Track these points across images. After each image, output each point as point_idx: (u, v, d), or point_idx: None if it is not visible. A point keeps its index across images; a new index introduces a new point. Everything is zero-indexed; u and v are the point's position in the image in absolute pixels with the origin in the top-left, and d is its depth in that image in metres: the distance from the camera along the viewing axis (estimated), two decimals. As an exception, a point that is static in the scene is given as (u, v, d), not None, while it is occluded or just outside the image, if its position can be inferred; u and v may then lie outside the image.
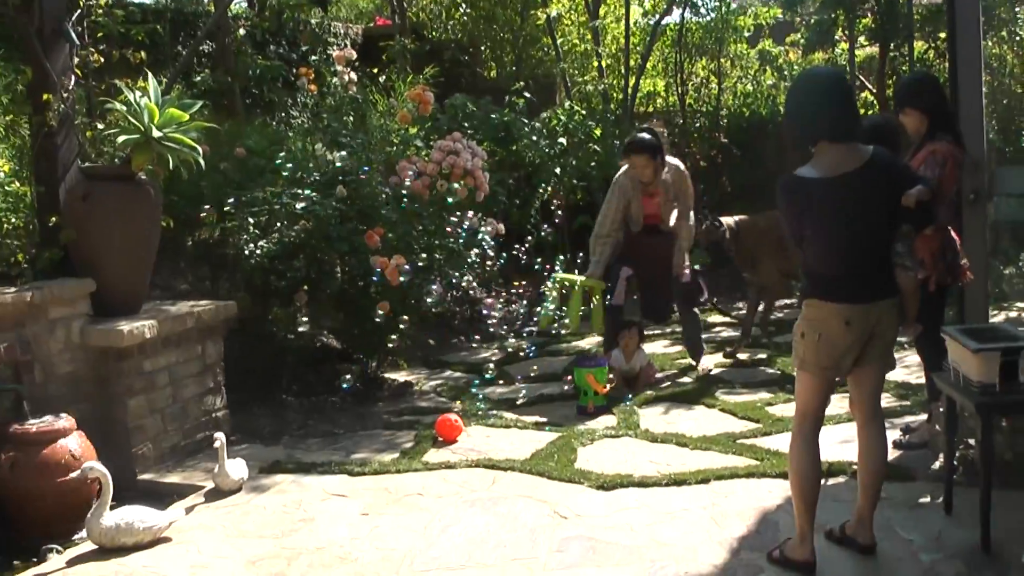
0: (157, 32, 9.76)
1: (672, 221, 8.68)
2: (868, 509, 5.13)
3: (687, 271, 8.74)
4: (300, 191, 8.26)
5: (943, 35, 13.48)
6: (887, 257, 4.93)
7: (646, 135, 8.54)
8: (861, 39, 14.59)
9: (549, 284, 8.55)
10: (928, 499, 5.82)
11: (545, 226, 10.39)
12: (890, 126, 6.26)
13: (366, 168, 8.29)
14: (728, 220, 9.64)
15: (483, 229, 8.74)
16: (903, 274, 5.14)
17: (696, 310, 9.22)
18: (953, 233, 6.28)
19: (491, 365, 9.02)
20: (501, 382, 8.83)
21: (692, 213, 8.81)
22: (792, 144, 5.05)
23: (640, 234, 8.65)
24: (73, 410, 6.19)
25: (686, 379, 8.84)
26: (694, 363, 9.04)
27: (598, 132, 12.30)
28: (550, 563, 5.25)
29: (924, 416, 6.89)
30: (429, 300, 8.24)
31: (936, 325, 6.20)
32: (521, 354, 10.00)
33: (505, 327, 10.97)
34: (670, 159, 8.68)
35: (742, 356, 9.29)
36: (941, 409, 5.99)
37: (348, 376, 6.12)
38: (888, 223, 4.89)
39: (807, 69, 5.65)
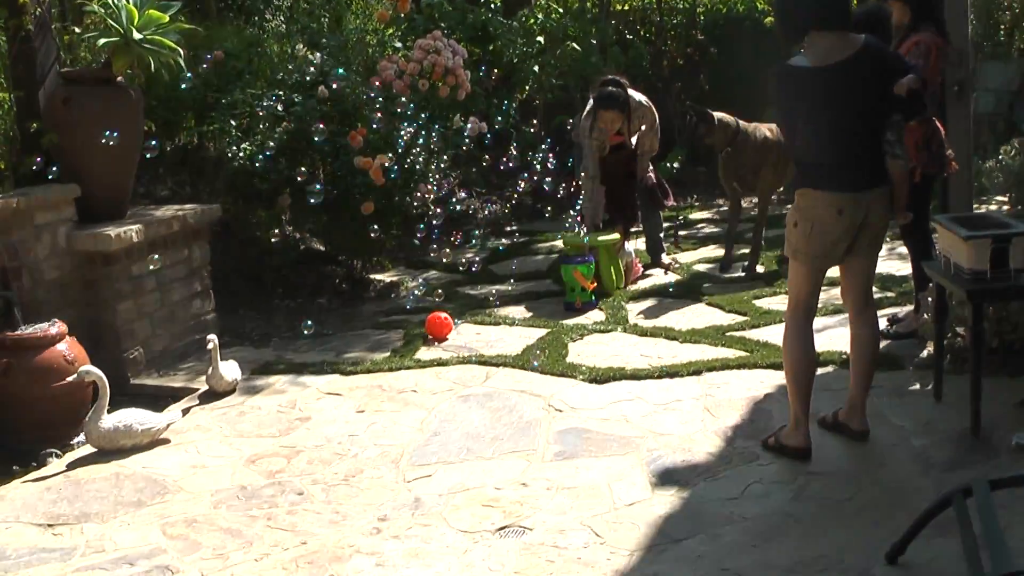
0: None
1: (635, 140, 8.83)
2: (860, 396, 5.20)
3: (651, 175, 9.06)
4: (281, 93, 8.17)
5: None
6: (878, 145, 4.93)
7: (612, 88, 8.57)
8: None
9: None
10: (917, 387, 5.90)
11: (533, 122, 10.35)
12: (883, 14, 6.22)
13: (340, 71, 8.19)
14: (727, 118, 8.89)
15: (466, 127, 8.68)
16: (893, 162, 5.15)
17: (660, 212, 9.37)
18: (937, 123, 6.29)
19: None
20: (485, 282, 8.84)
21: (656, 129, 8.89)
22: (783, 34, 5.05)
23: (605, 157, 8.66)
24: (62, 316, 6.16)
25: (672, 275, 8.85)
26: (652, 260, 9.13)
27: (573, 30, 12.18)
28: (547, 454, 5.30)
29: (909, 307, 6.94)
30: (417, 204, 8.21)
31: (922, 216, 6.26)
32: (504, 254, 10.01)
33: (488, 227, 11.00)
34: (634, 94, 8.71)
35: (760, 269, 8.95)
36: (930, 299, 6.04)
37: (309, 323, 6.21)
38: (879, 111, 4.89)
39: None
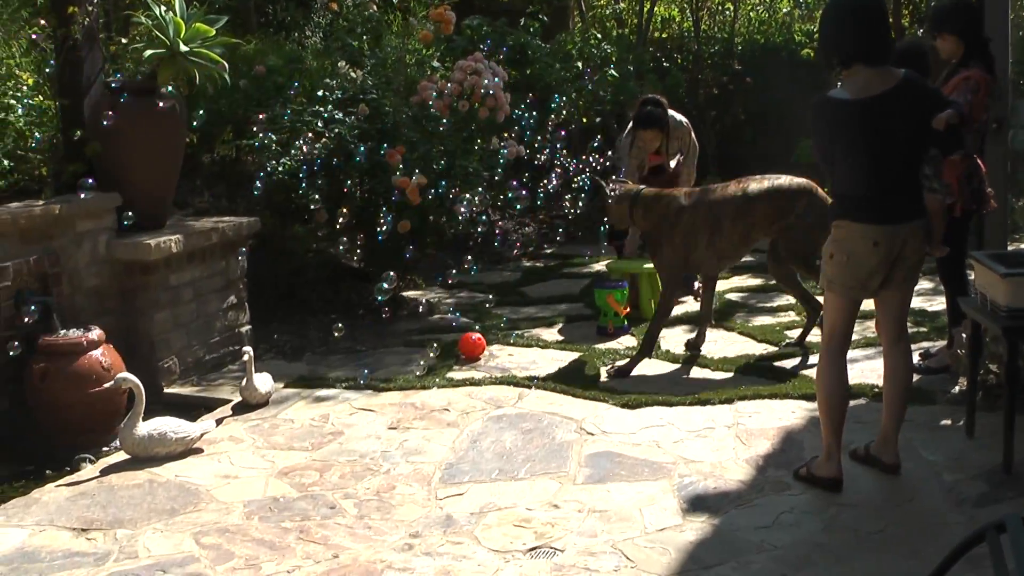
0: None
1: (674, 164, 8.76)
2: (893, 429, 5.19)
3: None
4: (322, 109, 8.23)
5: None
6: (915, 179, 4.95)
7: (653, 107, 8.48)
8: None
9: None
10: (949, 422, 5.88)
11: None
12: (921, 49, 6.24)
13: (373, 91, 8.23)
14: (628, 188, 7.73)
15: (502, 150, 8.72)
16: (930, 196, 5.15)
17: None
18: (979, 160, 6.29)
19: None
20: (517, 304, 8.86)
21: (694, 154, 8.83)
22: (828, 66, 5.07)
23: (646, 177, 8.63)
24: (99, 323, 6.22)
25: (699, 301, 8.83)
26: (684, 287, 8.95)
27: (614, 57, 12.22)
28: (579, 477, 5.31)
29: (942, 342, 6.93)
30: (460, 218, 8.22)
31: (960, 251, 6.26)
32: (537, 275, 10.02)
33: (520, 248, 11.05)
34: (673, 114, 8.66)
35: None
36: (964, 334, 6.03)
37: (384, 286, 6.10)
38: (917, 145, 4.92)
39: None
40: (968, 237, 6.59)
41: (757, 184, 7.24)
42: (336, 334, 7.03)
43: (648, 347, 7.15)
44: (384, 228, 7.13)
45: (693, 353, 7.35)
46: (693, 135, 8.86)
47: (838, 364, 5.06)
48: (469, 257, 7.73)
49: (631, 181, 8.23)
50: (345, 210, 7.35)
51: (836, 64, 4.91)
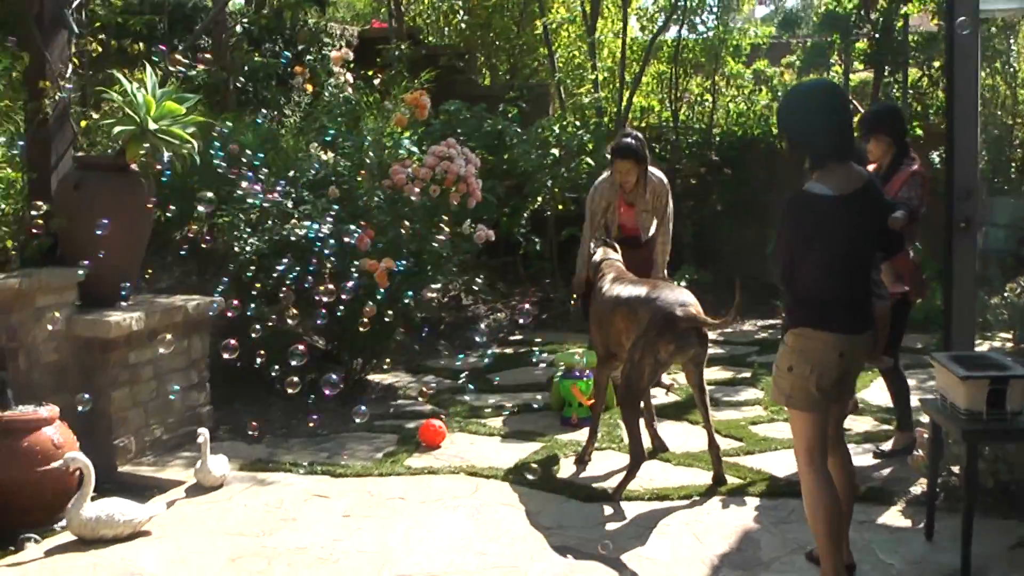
0: (155, 24, 9.73)
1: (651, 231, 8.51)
2: (845, 528, 5.09)
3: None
4: (292, 190, 8.23)
5: (937, 63, 13.58)
6: (870, 284, 4.91)
7: (631, 140, 8.25)
8: (856, 63, 14.64)
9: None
10: (909, 524, 5.84)
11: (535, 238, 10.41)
12: (896, 109, 6.52)
13: (342, 173, 8.24)
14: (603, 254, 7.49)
15: (474, 235, 8.73)
16: (878, 303, 5.13)
17: None
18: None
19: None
20: (483, 391, 8.80)
21: (670, 228, 8.55)
22: (797, 159, 4.91)
23: (619, 243, 8.41)
24: (57, 400, 6.15)
25: (670, 395, 8.81)
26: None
27: (591, 145, 12.29)
28: (531, 572, 5.24)
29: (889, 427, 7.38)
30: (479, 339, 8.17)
31: (898, 343, 6.63)
32: (505, 363, 9.97)
33: (488, 335, 11.01)
34: (654, 171, 8.43)
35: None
36: (925, 435, 6.02)
37: (334, 378, 6.07)
38: (877, 246, 4.89)
39: (802, 84, 5.56)
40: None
41: (632, 289, 6.70)
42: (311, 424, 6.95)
43: (635, 453, 6.43)
44: (349, 309, 7.09)
45: (654, 446, 7.21)
46: (671, 200, 8.49)
47: (826, 477, 4.78)
48: (442, 341, 7.69)
49: (587, 224, 8.20)
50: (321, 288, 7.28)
51: (808, 163, 4.75)
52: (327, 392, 6.18)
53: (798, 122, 4.81)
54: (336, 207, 8.22)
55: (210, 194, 6.69)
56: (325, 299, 6.77)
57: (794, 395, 4.76)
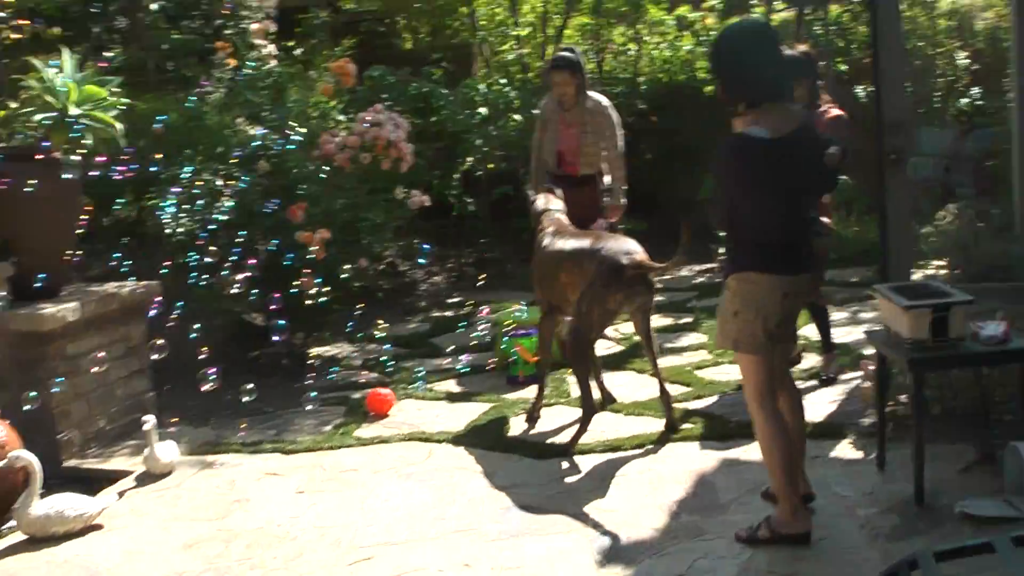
0: (68, 7, 9.53)
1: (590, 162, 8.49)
2: (800, 460, 5.14)
3: (613, 219, 8.47)
4: (222, 167, 8.12)
5: (857, -1, 13.65)
6: (808, 223, 4.92)
7: (566, 51, 8.43)
8: (777, 3, 14.65)
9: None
10: (860, 455, 5.90)
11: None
12: (811, 57, 6.53)
13: (279, 143, 8.16)
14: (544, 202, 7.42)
15: (408, 201, 8.68)
16: (818, 241, 5.16)
17: None
18: None
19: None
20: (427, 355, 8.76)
21: (622, 155, 8.53)
22: (731, 104, 4.80)
23: (559, 182, 8.16)
24: (-5, 397, 6.05)
25: (614, 345, 8.81)
26: None
27: (518, 102, 12.23)
28: (492, 533, 5.24)
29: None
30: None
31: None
32: (450, 326, 9.92)
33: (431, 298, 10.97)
34: (595, 94, 8.53)
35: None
36: (870, 367, 6.07)
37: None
38: (816, 185, 4.90)
39: (732, 25, 5.51)
40: None
41: (575, 242, 6.70)
42: (245, 398, 6.85)
43: (587, 406, 6.45)
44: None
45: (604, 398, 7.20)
46: (619, 130, 8.47)
47: (777, 417, 4.83)
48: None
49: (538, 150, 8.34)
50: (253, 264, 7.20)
51: (743, 103, 4.70)
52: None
53: (731, 63, 4.75)
54: (267, 181, 8.14)
55: None
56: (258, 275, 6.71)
57: (741, 339, 4.78)
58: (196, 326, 6.57)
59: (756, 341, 4.75)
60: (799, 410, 5.15)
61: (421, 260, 11.20)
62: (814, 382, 7.25)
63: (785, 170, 4.63)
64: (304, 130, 8.76)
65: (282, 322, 6.70)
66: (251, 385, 6.63)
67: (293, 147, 8.24)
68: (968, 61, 13.37)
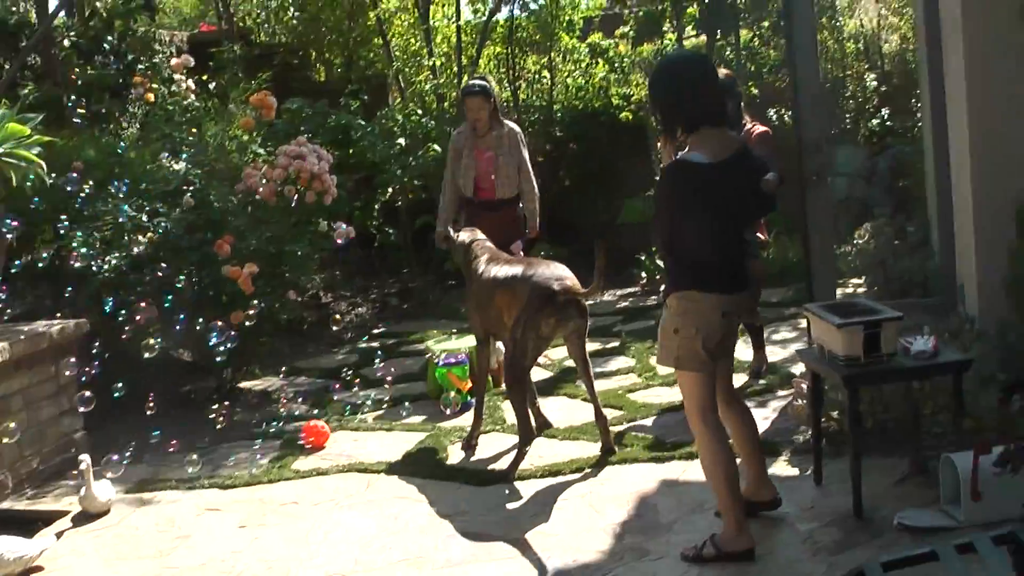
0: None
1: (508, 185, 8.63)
2: (761, 467, 5.31)
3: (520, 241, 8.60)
4: (144, 203, 8.07)
5: (767, 23, 13.91)
6: (744, 245, 5.05)
7: (478, 79, 8.77)
8: (688, 29, 14.89)
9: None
10: (796, 472, 5.99)
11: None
12: (733, 83, 6.63)
13: (194, 181, 8.15)
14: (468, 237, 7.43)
15: (333, 233, 8.69)
16: (754, 262, 5.27)
17: None
18: None
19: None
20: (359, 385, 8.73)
21: (534, 180, 8.70)
22: (668, 131, 4.98)
23: (477, 209, 8.49)
24: (-76, 441, 5.94)
25: (544, 371, 8.85)
26: None
27: (434, 132, 12.29)
28: (438, 561, 5.25)
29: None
30: None
31: None
32: (375, 357, 9.90)
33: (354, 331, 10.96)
34: (508, 121, 8.76)
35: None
36: (803, 385, 6.18)
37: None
38: (753, 208, 5.02)
39: (670, 55, 5.68)
40: None
41: (508, 269, 6.79)
42: (152, 440, 6.77)
43: (524, 432, 6.53)
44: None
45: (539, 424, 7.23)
46: (526, 153, 8.71)
47: (720, 432, 4.95)
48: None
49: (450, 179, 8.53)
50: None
51: (680, 130, 4.85)
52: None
53: (668, 91, 4.89)
54: (192, 216, 8.10)
55: None
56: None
57: (682, 356, 4.88)
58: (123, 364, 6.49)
59: (696, 358, 4.85)
60: (749, 420, 5.28)
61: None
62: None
63: (723, 194, 4.77)
64: (223, 163, 8.75)
65: (219, 360, 6.63)
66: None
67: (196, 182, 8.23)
68: (876, 83, 13.67)
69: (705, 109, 4.81)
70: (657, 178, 13.19)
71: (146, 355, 7.03)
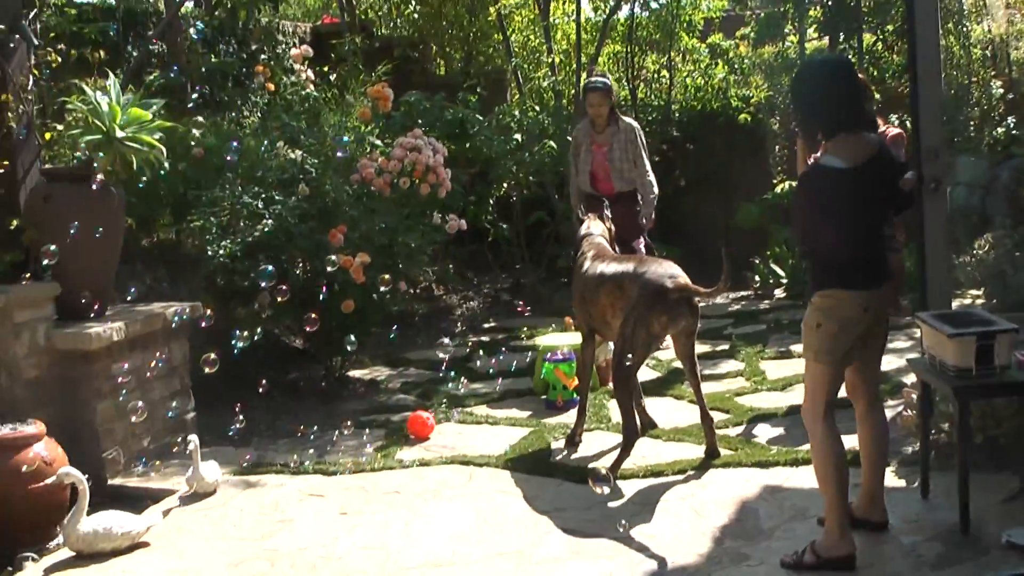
0: (108, 31, 9.63)
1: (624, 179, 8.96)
2: (879, 485, 5.22)
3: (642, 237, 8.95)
4: (261, 190, 8.19)
5: (891, 27, 13.65)
6: (884, 241, 5.01)
7: (599, 76, 9.12)
8: (810, 32, 14.69)
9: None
10: (903, 483, 5.88)
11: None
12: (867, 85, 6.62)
13: (310, 168, 8.26)
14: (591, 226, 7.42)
15: (446, 226, 8.75)
16: (895, 257, 5.22)
17: None
18: None
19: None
20: (465, 380, 8.76)
21: (651, 175, 9.00)
22: (808, 137, 5.15)
23: (596, 202, 8.31)
24: (40, 415, 6.08)
25: (652, 372, 8.80)
26: None
27: (551, 128, 12.28)
28: (535, 556, 5.25)
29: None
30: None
31: None
32: (484, 351, 9.93)
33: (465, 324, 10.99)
34: (626, 118, 9.03)
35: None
36: (914, 395, 6.06)
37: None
38: (892, 207, 5.02)
39: (812, 59, 5.69)
40: None
41: (617, 266, 6.72)
42: (234, 429, 6.83)
43: (629, 430, 6.40)
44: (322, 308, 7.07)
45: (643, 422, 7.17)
46: (644, 148, 9.03)
47: (836, 433, 4.94)
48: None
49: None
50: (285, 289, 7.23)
51: (825, 133, 4.92)
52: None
53: (807, 96, 5.01)
54: (306, 205, 8.20)
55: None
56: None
57: (820, 349, 4.91)
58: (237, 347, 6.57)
59: (834, 353, 4.88)
60: (884, 428, 5.25)
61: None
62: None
63: (860, 197, 4.82)
64: (349, 138, 8.86)
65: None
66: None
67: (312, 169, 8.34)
68: (1002, 91, 13.34)
69: (845, 115, 4.85)
70: (775, 181, 13.17)
71: (255, 340, 7.09)
